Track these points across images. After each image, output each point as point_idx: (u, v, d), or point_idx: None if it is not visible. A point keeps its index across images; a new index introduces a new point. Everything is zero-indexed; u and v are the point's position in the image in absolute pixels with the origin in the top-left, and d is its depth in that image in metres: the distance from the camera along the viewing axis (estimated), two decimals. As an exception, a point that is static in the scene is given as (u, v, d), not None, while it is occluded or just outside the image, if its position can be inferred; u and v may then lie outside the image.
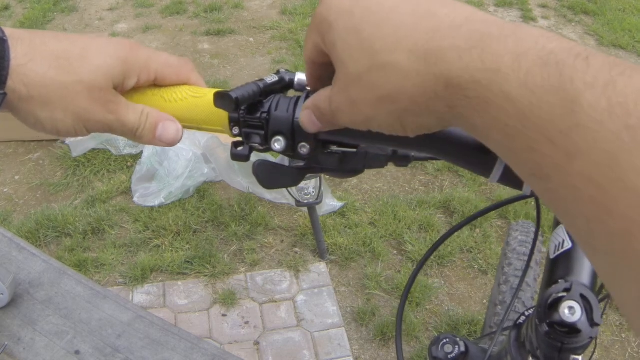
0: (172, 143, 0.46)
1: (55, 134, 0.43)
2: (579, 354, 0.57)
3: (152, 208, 2.39)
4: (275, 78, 0.45)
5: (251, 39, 3.69)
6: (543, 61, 0.26)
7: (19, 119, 0.43)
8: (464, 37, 0.29)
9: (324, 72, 0.39)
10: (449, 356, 0.70)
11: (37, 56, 0.40)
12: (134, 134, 0.45)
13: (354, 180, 2.60)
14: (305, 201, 1.99)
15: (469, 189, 2.57)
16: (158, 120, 0.45)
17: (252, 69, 3.31)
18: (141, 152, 2.56)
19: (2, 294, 0.88)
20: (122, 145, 2.64)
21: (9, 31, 0.39)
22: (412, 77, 0.30)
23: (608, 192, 0.23)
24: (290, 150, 0.43)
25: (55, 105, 0.41)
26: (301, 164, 0.46)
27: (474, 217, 0.77)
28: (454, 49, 0.29)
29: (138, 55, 0.44)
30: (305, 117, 0.39)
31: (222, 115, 0.45)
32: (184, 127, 0.48)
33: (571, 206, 0.25)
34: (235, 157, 0.47)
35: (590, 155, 0.23)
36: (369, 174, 2.62)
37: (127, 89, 0.45)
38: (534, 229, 1.32)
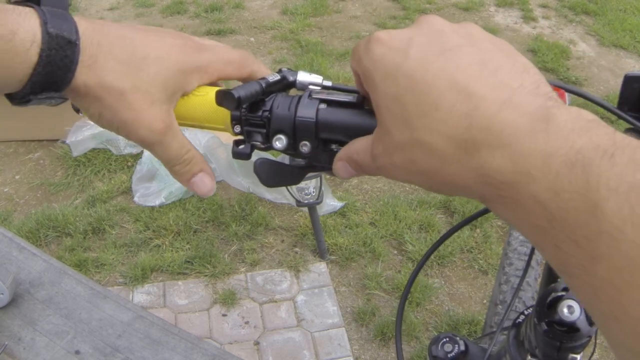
0: (204, 195, 0.48)
1: (101, 127, 0.44)
2: (578, 353, 0.57)
3: (152, 208, 2.40)
4: (277, 77, 0.45)
5: (252, 39, 3.69)
6: (571, 162, 0.27)
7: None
8: (497, 130, 0.29)
9: None
10: (449, 355, 0.70)
11: (101, 58, 0.41)
12: (170, 166, 0.46)
13: (354, 180, 2.60)
14: (306, 201, 1.99)
15: (469, 189, 2.57)
16: (199, 170, 0.46)
17: (252, 69, 3.31)
18: (142, 152, 2.56)
19: (2, 294, 0.88)
20: (123, 145, 2.64)
21: (82, 26, 0.40)
22: (450, 163, 0.31)
23: (626, 296, 0.24)
24: (291, 148, 0.43)
25: (105, 105, 0.42)
26: (302, 162, 0.46)
27: (474, 217, 0.77)
28: (488, 146, 0.30)
29: (199, 60, 0.45)
30: (341, 168, 0.40)
31: (224, 113, 0.45)
32: (186, 125, 0.48)
33: (592, 301, 0.26)
34: (237, 155, 0.47)
35: (612, 261, 0.24)
36: (369, 174, 2.62)
37: (188, 93, 0.46)
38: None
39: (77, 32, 0.40)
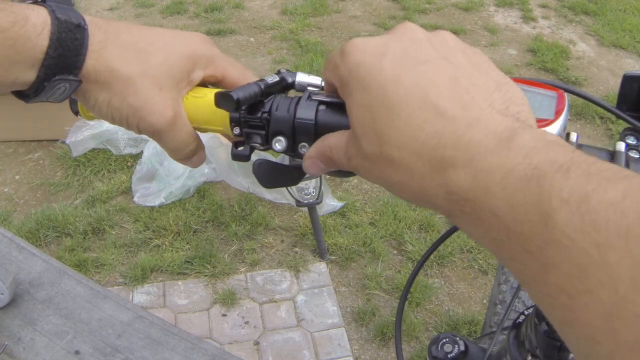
0: (195, 167, 0.49)
1: (110, 121, 0.44)
2: (578, 353, 0.56)
3: (152, 208, 2.39)
4: (276, 78, 0.45)
5: (252, 39, 3.69)
6: (527, 177, 0.27)
7: (80, 100, 0.44)
8: (464, 149, 0.30)
9: None
10: (449, 355, 0.70)
11: (109, 44, 0.42)
12: (174, 154, 0.47)
13: (354, 180, 2.61)
14: (306, 201, 1.99)
15: (469, 189, 2.57)
16: (195, 152, 0.48)
17: (252, 69, 3.31)
18: (141, 152, 2.56)
19: (2, 294, 0.88)
20: (123, 145, 2.64)
21: (88, 18, 0.41)
22: (417, 178, 0.32)
23: (577, 302, 0.25)
24: (290, 150, 0.43)
25: (115, 92, 0.42)
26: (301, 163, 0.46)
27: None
28: (455, 164, 0.30)
29: (205, 50, 0.46)
30: (311, 165, 0.40)
31: (223, 115, 0.45)
32: None
33: (548, 309, 0.27)
34: (236, 157, 0.47)
35: (563, 268, 0.25)
36: (369, 174, 2.62)
37: (195, 83, 0.46)
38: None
39: (84, 19, 0.41)
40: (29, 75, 0.39)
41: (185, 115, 0.45)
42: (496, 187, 0.28)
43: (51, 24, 0.39)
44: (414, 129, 0.32)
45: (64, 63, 0.40)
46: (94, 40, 0.41)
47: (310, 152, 0.40)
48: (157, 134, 0.44)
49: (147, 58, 0.43)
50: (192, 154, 0.47)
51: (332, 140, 0.38)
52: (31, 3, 0.40)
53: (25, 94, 0.41)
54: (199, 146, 0.48)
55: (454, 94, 0.32)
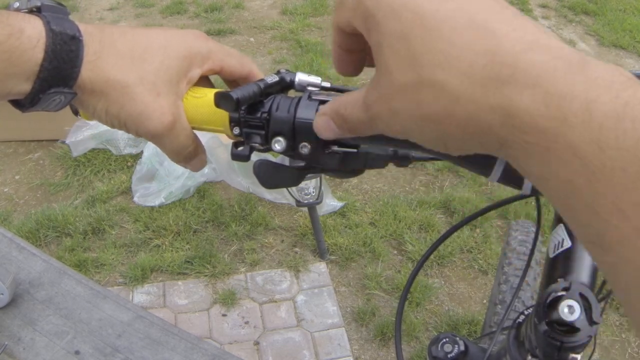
0: (196, 171, 0.50)
1: (110, 127, 0.44)
2: (578, 353, 0.57)
3: (152, 208, 2.39)
4: (276, 78, 0.45)
5: (252, 39, 3.69)
6: (618, 115, 0.23)
7: (78, 108, 0.45)
8: (526, 68, 0.26)
9: (354, 43, 0.36)
10: (449, 355, 0.70)
11: (104, 54, 0.41)
12: (174, 157, 0.47)
13: (354, 180, 2.61)
14: (306, 201, 1.99)
15: (469, 189, 2.57)
16: (196, 155, 0.48)
17: (252, 69, 3.31)
18: (141, 152, 2.56)
19: (2, 294, 0.88)
20: (122, 145, 2.64)
21: (82, 27, 0.41)
22: (464, 103, 0.27)
23: None
24: (290, 150, 0.43)
25: (112, 101, 0.42)
26: (302, 163, 0.46)
27: (474, 217, 0.77)
28: (515, 83, 0.26)
29: (201, 47, 0.46)
30: (322, 124, 0.37)
31: (223, 115, 0.45)
32: None
33: (632, 281, 0.23)
34: (236, 157, 0.47)
35: None
36: (369, 174, 2.62)
37: (194, 81, 0.46)
38: (534, 229, 1.32)
39: (79, 30, 0.41)
40: (24, 87, 0.39)
41: (185, 118, 0.45)
42: (575, 119, 0.24)
43: (46, 36, 0.39)
44: (460, 48, 0.27)
45: (59, 75, 0.40)
46: (89, 50, 0.41)
47: (324, 109, 0.37)
48: (156, 138, 0.44)
49: (142, 65, 0.42)
50: (192, 156, 0.47)
51: (347, 97, 0.35)
52: (26, 12, 0.40)
53: (21, 104, 0.41)
54: (198, 149, 0.48)
55: (503, 16, 0.28)
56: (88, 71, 0.41)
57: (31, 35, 0.38)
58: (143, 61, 0.43)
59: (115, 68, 0.42)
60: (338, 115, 0.35)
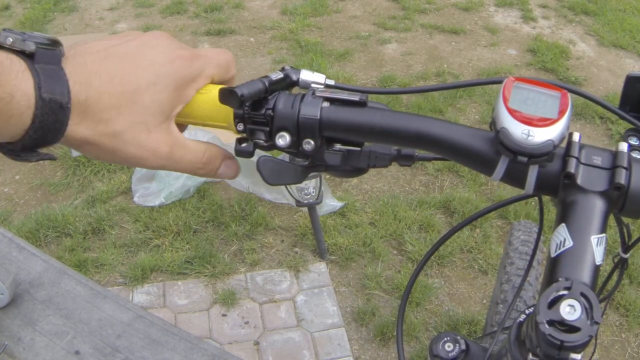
0: (233, 178, 0.50)
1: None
2: (579, 353, 0.57)
3: (152, 208, 2.39)
4: (280, 75, 0.45)
5: (252, 39, 3.69)
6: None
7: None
8: None
9: None
10: (450, 354, 0.70)
11: (90, 112, 0.40)
12: (194, 173, 0.47)
13: (354, 181, 2.60)
14: (306, 201, 1.98)
15: (469, 189, 2.57)
16: (221, 161, 0.48)
17: (252, 68, 3.31)
18: (141, 152, 2.56)
19: (2, 294, 0.88)
20: (122, 145, 2.64)
21: (72, 81, 0.39)
22: None
23: None
24: (294, 146, 0.43)
25: (103, 149, 0.42)
26: (304, 161, 0.46)
27: (475, 217, 0.76)
28: None
29: (192, 70, 0.45)
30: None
31: (227, 111, 0.45)
32: (189, 122, 0.48)
33: None
34: (239, 153, 0.47)
35: None
36: (369, 173, 2.62)
37: (188, 100, 0.45)
38: (536, 229, 1.32)
39: (69, 93, 0.39)
40: (8, 140, 0.40)
41: (184, 140, 0.45)
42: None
43: (35, 106, 0.38)
44: None
45: (42, 141, 0.40)
46: (75, 113, 0.40)
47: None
48: (162, 168, 0.44)
49: (132, 107, 0.42)
50: (213, 167, 0.47)
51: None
52: (19, 53, 0.38)
53: (1, 147, 0.41)
54: (216, 158, 0.47)
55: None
56: (74, 132, 0.40)
57: (20, 102, 0.37)
58: (133, 103, 0.42)
59: (103, 122, 0.41)
60: None
